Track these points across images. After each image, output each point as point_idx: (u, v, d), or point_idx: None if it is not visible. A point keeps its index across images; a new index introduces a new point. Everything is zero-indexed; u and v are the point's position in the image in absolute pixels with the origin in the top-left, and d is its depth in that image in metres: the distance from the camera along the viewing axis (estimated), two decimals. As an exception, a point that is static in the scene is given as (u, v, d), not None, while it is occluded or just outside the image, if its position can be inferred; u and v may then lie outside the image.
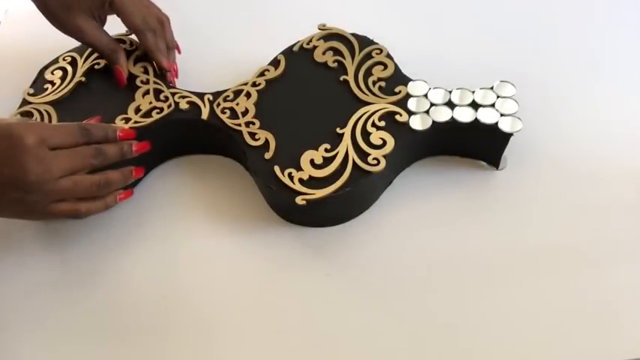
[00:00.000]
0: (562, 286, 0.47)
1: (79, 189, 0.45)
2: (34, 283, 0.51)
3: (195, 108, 0.54)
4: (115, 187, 0.49)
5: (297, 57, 0.57)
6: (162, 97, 0.55)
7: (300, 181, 0.48)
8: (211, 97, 0.55)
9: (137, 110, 0.54)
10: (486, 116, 0.51)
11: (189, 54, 0.62)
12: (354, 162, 0.49)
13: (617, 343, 0.44)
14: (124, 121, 0.53)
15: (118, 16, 0.56)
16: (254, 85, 0.55)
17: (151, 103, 0.54)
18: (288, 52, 0.58)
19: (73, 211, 0.46)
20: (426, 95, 0.53)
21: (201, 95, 0.55)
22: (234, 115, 0.53)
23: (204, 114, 0.53)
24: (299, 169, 0.49)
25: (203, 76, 0.61)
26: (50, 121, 0.54)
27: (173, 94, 0.55)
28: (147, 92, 0.55)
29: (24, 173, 0.41)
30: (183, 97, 0.55)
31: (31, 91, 0.57)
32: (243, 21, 0.70)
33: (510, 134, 0.50)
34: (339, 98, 0.54)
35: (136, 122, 0.53)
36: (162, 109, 0.54)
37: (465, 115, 0.51)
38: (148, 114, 0.54)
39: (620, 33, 0.66)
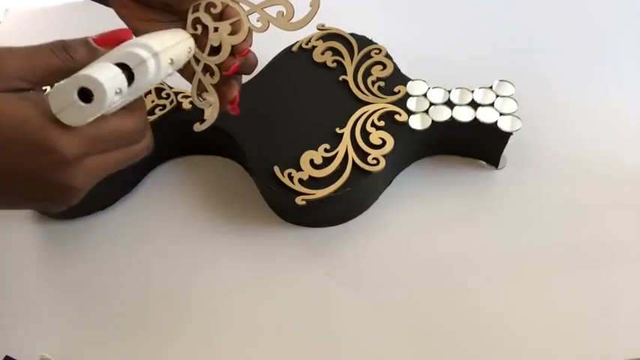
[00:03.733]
0: (562, 286, 0.47)
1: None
2: (34, 283, 0.51)
3: (197, 108, 0.54)
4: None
5: (296, 57, 0.57)
6: (164, 94, 0.55)
7: (300, 181, 0.48)
8: None
9: None
10: (486, 115, 0.51)
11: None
12: (353, 162, 0.49)
13: (617, 343, 0.44)
14: None
15: None
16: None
17: (153, 101, 0.54)
18: (287, 52, 0.58)
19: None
20: (425, 95, 0.53)
21: None
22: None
23: (207, 114, 0.53)
24: (299, 169, 0.49)
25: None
26: None
27: (176, 94, 0.55)
28: (149, 92, 0.55)
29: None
30: (186, 97, 0.55)
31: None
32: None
33: (510, 133, 0.50)
34: (338, 98, 0.54)
35: None
36: (164, 106, 0.54)
37: (464, 115, 0.51)
38: (151, 112, 0.54)
39: (620, 32, 0.66)
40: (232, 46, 0.42)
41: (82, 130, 0.31)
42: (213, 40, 0.42)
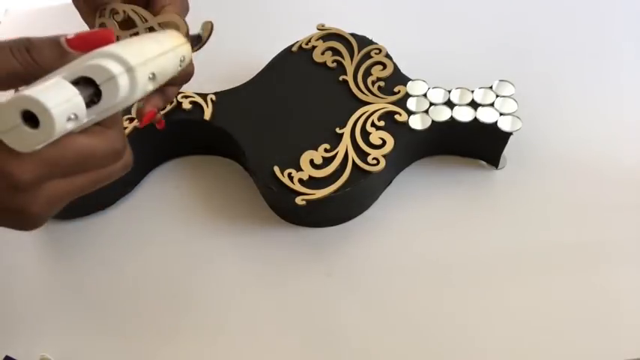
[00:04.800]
0: (562, 286, 0.47)
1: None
2: (34, 283, 0.51)
3: (197, 108, 0.54)
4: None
5: (296, 57, 0.57)
6: None
7: (300, 181, 0.48)
8: (214, 98, 0.55)
9: None
10: (486, 115, 0.51)
11: (189, 54, 0.62)
12: (353, 162, 0.49)
13: (617, 343, 0.44)
14: (128, 121, 0.53)
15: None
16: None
17: None
18: (287, 52, 0.58)
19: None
20: (425, 95, 0.53)
21: (204, 96, 0.55)
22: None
23: (207, 114, 0.53)
24: (299, 169, 0.49)
25: (203, 76, 0.61)
26: None
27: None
28: None
29: None
30: (186, 97, 0.55)
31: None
32: (243, 21, 0.70)
33: (510, 133, 0.50)
34: (338, 98, 0.54)
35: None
36: (164, 107, 0.54)
37: (464, 115, 0.51)
38: None
39: (620, 32, 0.66)
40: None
41: (41, 152, 0.26)
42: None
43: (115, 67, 0.27)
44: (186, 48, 0.35)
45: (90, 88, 0.27)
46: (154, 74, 0.30)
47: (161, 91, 0.39)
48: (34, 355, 0.46)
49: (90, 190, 0.30)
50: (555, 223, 0.51)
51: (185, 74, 0.39)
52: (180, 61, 0.35)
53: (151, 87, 0.31)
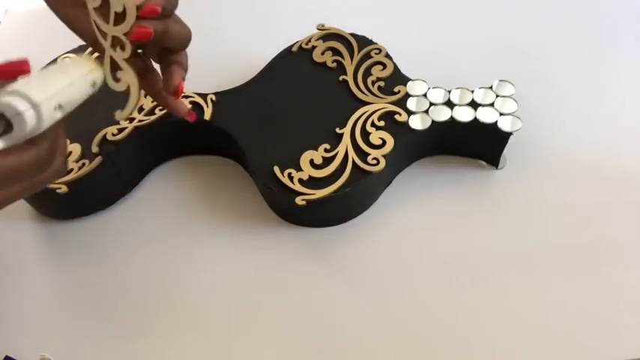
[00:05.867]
0: (562, 286, 0.47)
1: None
2: (34, 283, 0.51)
3: (197, 108, 0.54)
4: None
5: (296, 57, 0.57)
6: None
7: (300, 181, 0.48)
8: (214, 98, 0.55)
9: (140, 109, 0.54)
10: (486, 115, 0.51)
11: (190, 54, 0.62)
12: (353, 162, 0.49)
13: (617, 343, 0.44)
14: (127, 120, 0.53)
15: None
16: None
17: (153, 101, 0.54)
18: (287, 52, 0.58)
19: None
20: (425, 95, 0.53)
21: (204, 96, 0.55)
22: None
23: (207, 115, 0.53)
24: (299, 169, 0.49)
25: (202, 76, 0.61)
26: None
27: None
28: None
29: None
30: (186, 97, 0.55)
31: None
32: (243, 21, 0.70)
33: (510, 133, 0.50)
34: (338, 98, 0.54)
35: (140, 121, 0.53)
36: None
37: (464, 115, 0.51)
38: (151, 112, 0.54)
39: (619, 32, 0.66)
40: (138, 8, 0.35)
41: None
42: (115, 4, 0.35)
43: (21, 105, 0.30)
44: (97, 73, 0.37)
45: (3, 120, 0.30)
46: (60, 105, 0.33)
47: (175, 62, 0.41)
48: (34, 355, 0.46)
49: (20, 198, 0.34)
50: (555, 223, 0.51)
51: (184, 38, 0.40)
52: (92, 86, 0.37)
53: (58, 115, 0.33)
